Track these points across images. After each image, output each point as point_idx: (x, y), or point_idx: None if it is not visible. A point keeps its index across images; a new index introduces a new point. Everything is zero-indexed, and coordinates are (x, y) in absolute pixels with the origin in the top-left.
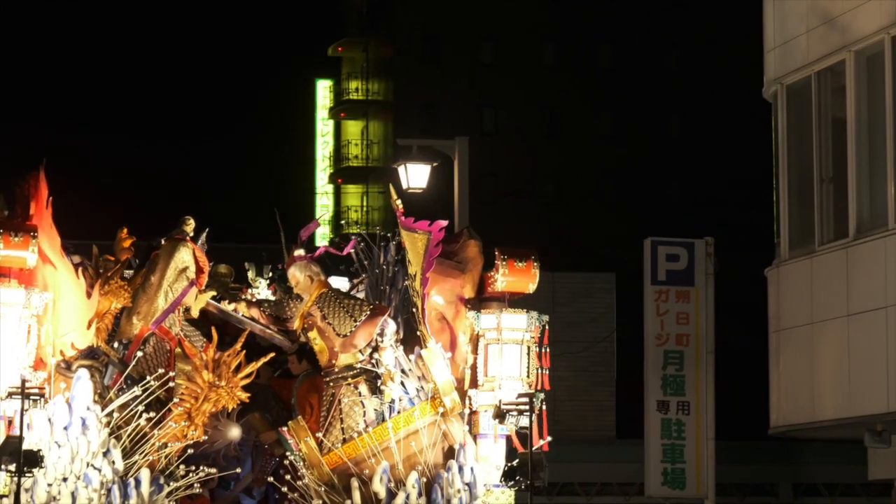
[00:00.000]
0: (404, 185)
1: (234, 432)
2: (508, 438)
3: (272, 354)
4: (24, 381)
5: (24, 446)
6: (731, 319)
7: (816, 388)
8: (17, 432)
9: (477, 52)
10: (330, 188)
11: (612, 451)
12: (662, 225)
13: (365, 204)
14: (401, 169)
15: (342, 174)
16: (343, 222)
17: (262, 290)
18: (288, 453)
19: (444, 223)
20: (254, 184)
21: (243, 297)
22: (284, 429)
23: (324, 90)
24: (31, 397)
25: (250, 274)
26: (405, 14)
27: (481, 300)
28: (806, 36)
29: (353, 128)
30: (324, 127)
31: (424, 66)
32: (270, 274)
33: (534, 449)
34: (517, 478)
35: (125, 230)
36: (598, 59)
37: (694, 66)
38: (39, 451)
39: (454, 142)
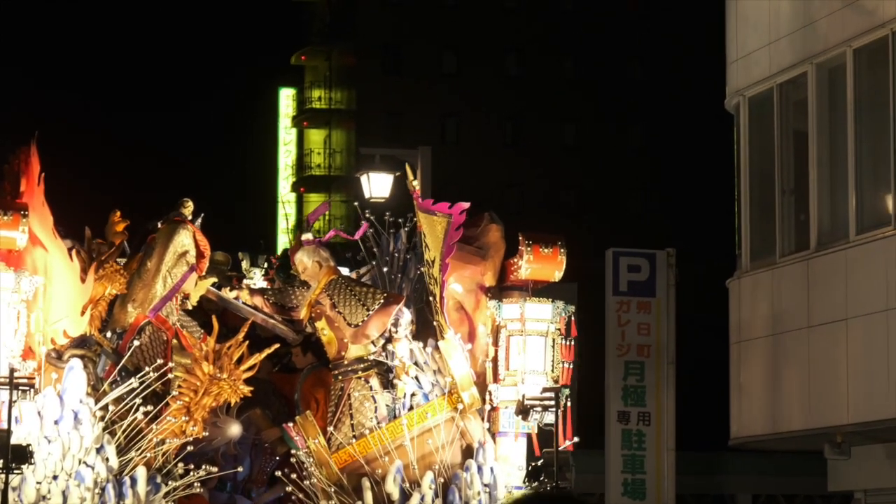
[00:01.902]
0: (367, 195)
1: (235, 429)
2: (529, 437)
3: (276, 346)
4: (12, 371)
5: (13, 441)
6: (692, 330)
7: (777, 399)
8: (4, 426)
9: (439, 61)
10: (292, 197)
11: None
12: (624, 236)
13: (328, 213)
14: (363, 178)
15: (305, 183)
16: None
17: (256, 280)
18: (293, 451)
19: (466, 205)
20: (217, 192)
21: (238, 286)
22: (290, 425)
23: (286, 99)
24: (20, 388)
25: (244, 263)
26: (368, 23)
27: (503, 289)
28: (768, 48)
29: (315, 136)
30: (286, 135)
31: (387, 75)
32: (266, 264)
33: (560, 448)
34: (542, 478)
35: (118, 213)
36: (560, 71)
37: (656, 76)
38: (29, 446)
39: (417, 151)
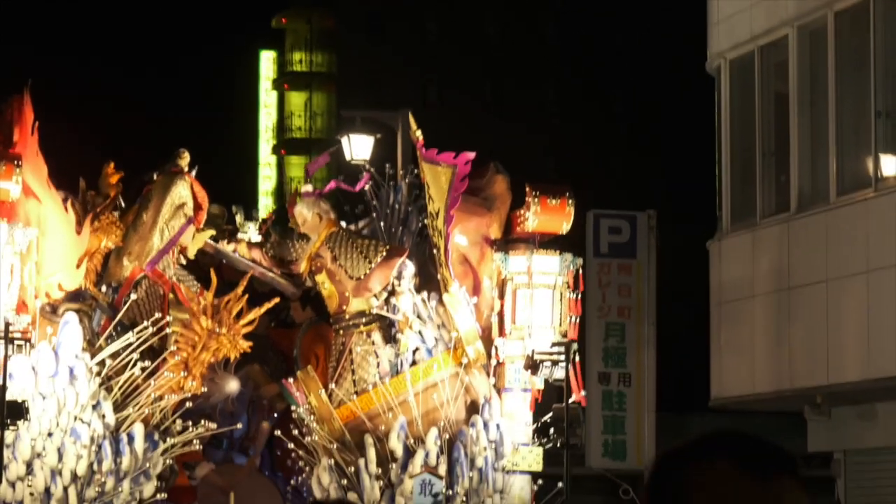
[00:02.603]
0: (347, 157)
1: (233, 385)
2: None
3: (277, 300)
4: (7, 325)
5: (6, 397)
6: (672, 292)
7: (757, 360)
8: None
9: (421, 24)
10: (273, 159)
11: None
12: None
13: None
14: (344, 140)
15: (285, 145)
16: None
17: (251, 234)
18: (293, 408)
19: (472, 155)
20: (196, 154)
21: (236, 240)
22: (290, 381)
23: (267, 61)
24: (15, 342)
25: (238, 218)
26: None
27: (508, 241)
28: (749, 11)
29: (296, 99)
30: (267, 98)
31: (368, 38)
32: (261, 217)
33: (570, 403)
34: (552, 434)
35: (111, 165)
36: (541, 34)
37: (638, 40)
38: (24, 402)
39: (397, 114)
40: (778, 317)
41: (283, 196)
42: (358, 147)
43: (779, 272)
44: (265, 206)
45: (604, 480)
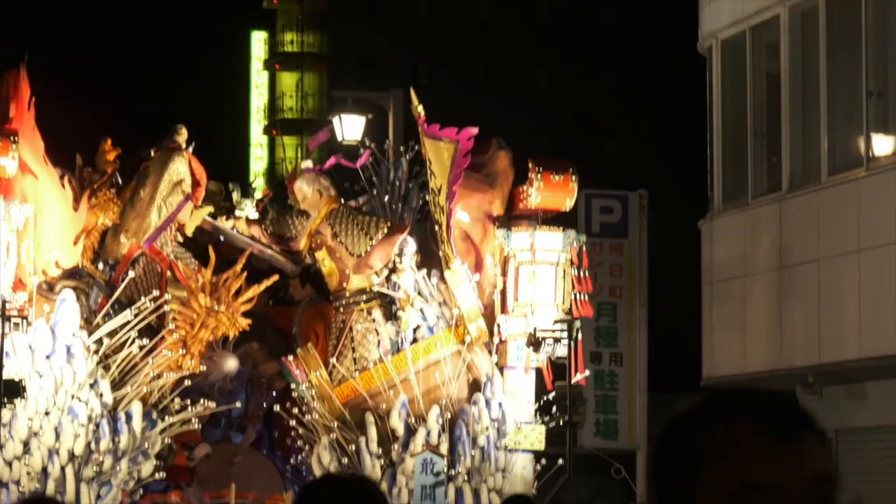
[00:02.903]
0: (339, 137)
1: (231, 364)
2: (538, 372)
3: (276, 277)
4: (3, 303)
5: (3, 376)
6: (664, 272)
7: (749, 340)
8: None
9: (413, 5)
10: (264, 140)
11: None
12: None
13: (300, 156)
14: (335, 121)
15: (277, 126)
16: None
17: (248, 211)
18: (292, 386)
19: (474, 130)
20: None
21: (234, 217)
22: (290, 359)
23: (258, 42)
24: (12, 320)
25: (235, 195)
26: None
27: (511, 217)
28: None
29: (288, 80)
30: (258, 79)
31: (360, 18)
32: (259, 195)
33: (572, 381)
34: (554, 413)
35: (108, 141)
36: (535, 14)
37: (631, 20)
38: (22, 380)
39: (389, 94)
40: (770, 296)
41: (275, 176)
42: (349, 127)
43: (770, 252)
44: (258, 186)
45: (595, 459)
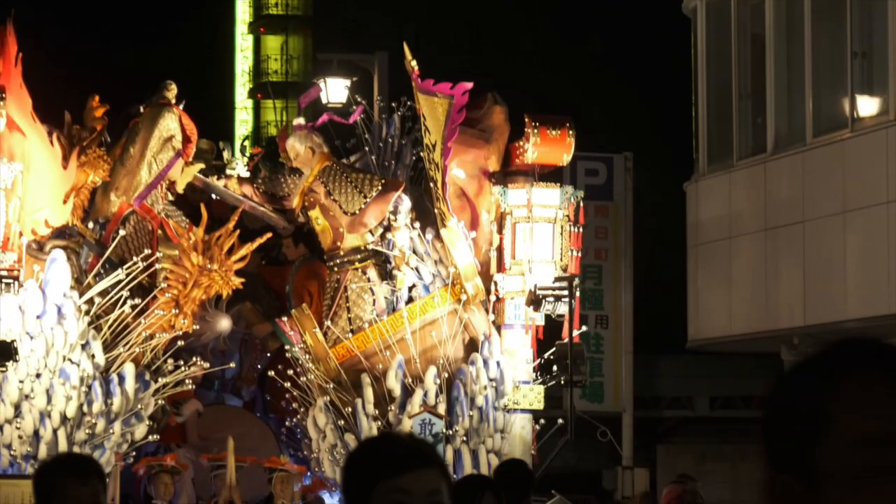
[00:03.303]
0: (324, 100)
1: (224, 324)
2: (536, 329)
3: (269, 235)
4: None
5: None
6: (649, 234)
7: (734, 302)
8: None
9: None
10: (249, 103)
11: None
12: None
13: (284, 119)
14: (320, 83)
15: (262, 89)
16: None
17: (239, 170)
18: (286, 347)
19: (469, 85)
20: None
21: (226, 175)
22: (283, 319)
23: (243, 4)
24: (3, 281)
25: (226, 154)
26: None
27: (507, 174)
28: None
29: (272, 43)
30: (243, 42)
31: None
32: (249, 153)
33: (573, 339)
34: (554, 371)
35: (96, 98)
36: None
37: None
38: (13, 342)
39: (374, 56)
40: (755, 258)
41: (260, 140)
42: (334, 91)
43: (755, 213)
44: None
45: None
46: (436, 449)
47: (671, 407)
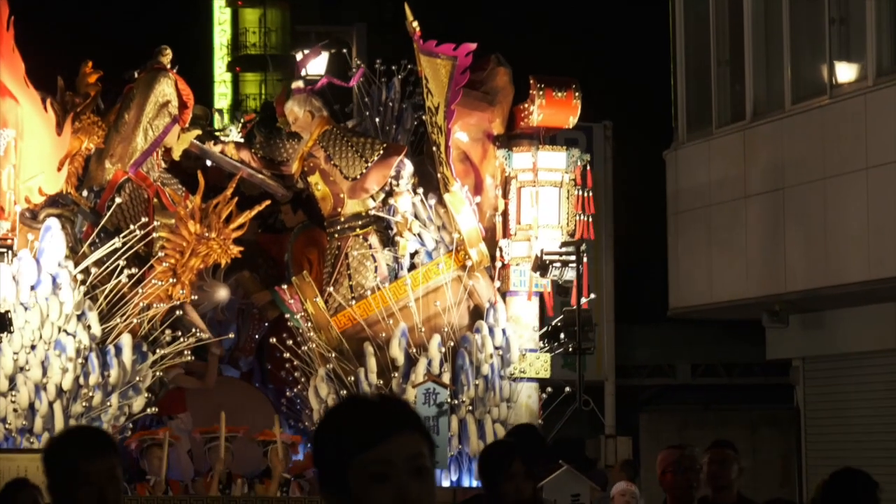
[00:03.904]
0: (302, 73)
1: (222, 293)
2: (541, 296)
3: (267, 202)
4: None
5: None
6: (629, 203)
7: (715, 269)
8: None
9: None
10: (228, 77)
11: None
12: None
13: (263, 92)
14: (298, 56)
15: (240, 62)
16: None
17: (233, 137)
18: (286, 316)
19: (473, 46)
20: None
21: (222, 141)
22: (283, 288)
23: None
24: None
25: (218, 120)
26: None
27: (512, 137)
28: None
29: (250, 16)
30: (221, 15)
31: None
32: (243, 120)
33: (582, 305)
34: (561, 339)
35: (90, 64)
36: None
37: None
38: (7, 312)
39: (352, 28)
40: (735, 225)
41: (239, 113)
42: (313, 63)
43: (735, 181)
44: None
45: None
46: (409, 406)
47: (653, 375)
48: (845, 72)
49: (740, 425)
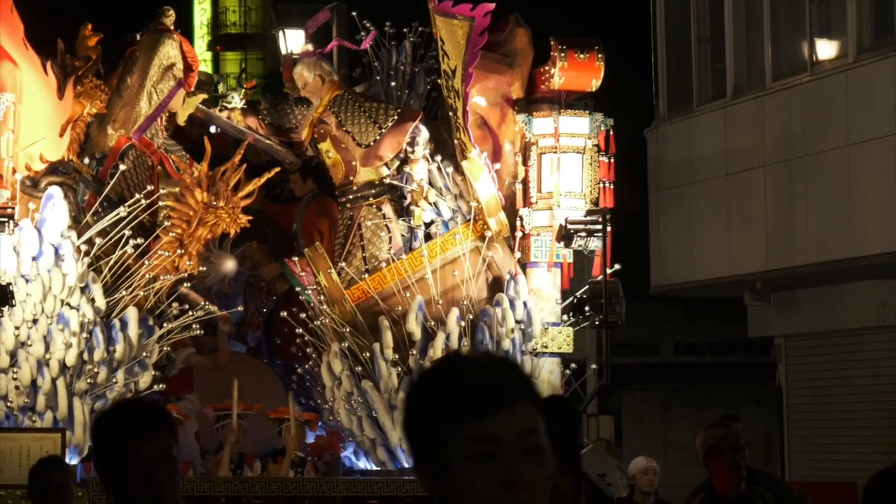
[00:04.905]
0: (283, 51)
1: (229, 265)
2: (564, 267)
3: (277, 169)
4: None
5: None
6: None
7: (697, 247)
8: None
9: None
10: (208, 56)
11: None
12: None
13: (245, 68)
14: (279, 35)
15: (220, 41)
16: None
17: (235, 104)
18: (297, 289)
19: (491, 6)
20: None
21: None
22: (294, 259)
23: None
24: None
25: (221, 87)
26: None
27: (531, 101)
28: None
29: None
30: None
31: None
32: (246, 86)
33: (608, 276)
34: (587, 312)
35: (89, 26)
36: None
37: None
38: (9, 285)
39: (333, 7)
40: (716, 203)
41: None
42: (293, 42)
43: (716, 158)
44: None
45: None
46: (522, 371)
47: (636, 354)
48: (826, 49)
49: (724, 404)
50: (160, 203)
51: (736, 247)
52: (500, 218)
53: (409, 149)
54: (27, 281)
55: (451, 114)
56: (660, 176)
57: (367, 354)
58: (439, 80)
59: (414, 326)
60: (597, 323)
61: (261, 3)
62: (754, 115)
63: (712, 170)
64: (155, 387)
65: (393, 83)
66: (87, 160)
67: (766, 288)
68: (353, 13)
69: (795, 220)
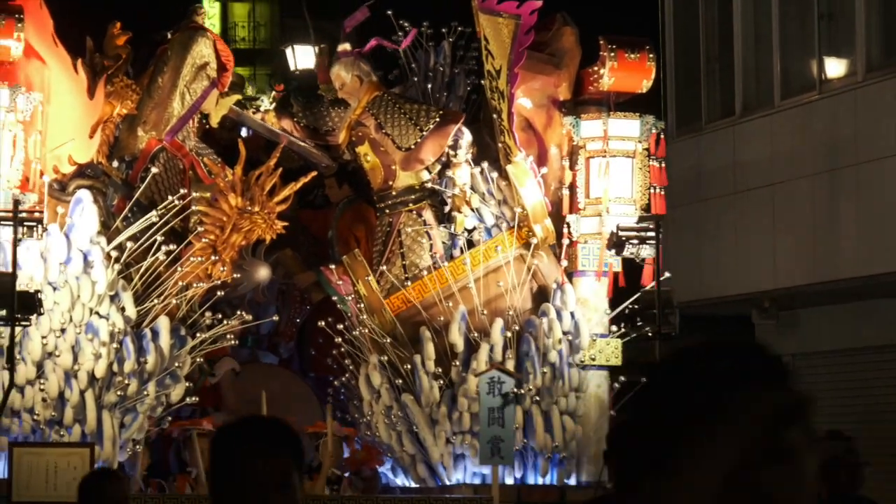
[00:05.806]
0: (292, 67)
1: (263, 273)
2: (615, 276)
3: (314, 174)
4: (16, 203)
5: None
6: None
7: (705, 265)
8: (9, 268)
9: None
10: None
11: None
12: None
13: (252, 87)
14: (287, 51)
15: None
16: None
17: (264, 107)
18: (334, 299)
19: (538, 3)
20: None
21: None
22: (330, 267)
23: None
24: (24, 224)
25: (249, 89)
26: None
27: (579, 103)
28: None
29: (239, 10)
30: (210, 9)
31: None
32: (276, 88)
33: (661, 285)
34: (638, 323)
35: (118, 24)
36: None
37: None
38: (38, 292)
39: (342, 22)
40: (724, 221)
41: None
42: (302, 57)
43: (725, 177)
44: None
45: None
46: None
47: (643, 369)
48: (834, 67)
49: None
50: (192, 208)
51: (744, 265)
52: (546, 224)
53: (452, 152)
54: (55, 289)
55: (494, 116)
56: (669, 194)
57: (408, 366)
58: (481, 82)
59: (457, 337)
60: (649, 334)
61: (269, 18)
62: (763, 132)
63: (720, 188)
64: (187, 399)
65: (430, 85)
66: (116, 163)
67: (773, 306)
68: (389, 12)
69: (803, 239)
